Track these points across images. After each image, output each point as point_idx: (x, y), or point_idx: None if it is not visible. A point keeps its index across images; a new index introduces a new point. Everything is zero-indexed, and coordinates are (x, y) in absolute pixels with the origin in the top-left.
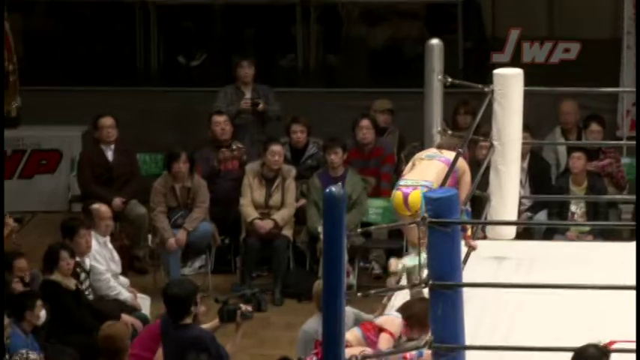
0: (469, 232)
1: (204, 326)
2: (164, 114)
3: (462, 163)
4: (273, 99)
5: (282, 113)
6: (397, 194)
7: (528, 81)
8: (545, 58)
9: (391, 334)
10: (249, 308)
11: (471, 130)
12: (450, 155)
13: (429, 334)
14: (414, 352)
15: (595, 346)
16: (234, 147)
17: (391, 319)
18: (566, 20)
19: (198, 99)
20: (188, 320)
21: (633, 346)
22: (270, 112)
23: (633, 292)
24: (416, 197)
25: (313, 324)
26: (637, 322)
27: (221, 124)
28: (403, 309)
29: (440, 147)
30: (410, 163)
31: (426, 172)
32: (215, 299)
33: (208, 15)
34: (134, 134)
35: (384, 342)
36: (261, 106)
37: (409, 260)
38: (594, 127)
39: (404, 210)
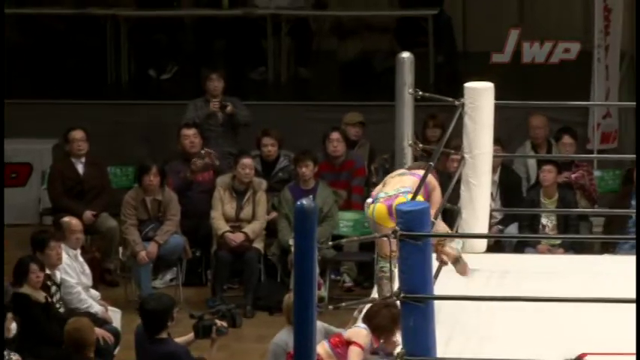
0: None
1: (179, 340)
2: (134, 127)
3: (432, 180)
4: (243, 108)
5: (253, 125)
6: (379, 207)
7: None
8: (545, 58)
9: (360, 346)
10: (225, 324)
11: (442, 143)
12: (420, 172)
13: (397, 337)
14: None
15: None
16: (202, 152)
17: (357, 331)
18: (537, 34)
19: (168, 112)
20: (164, 335)
21: (605, 358)
22: (239, 117)
23: (605, 305)
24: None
25: (284, 336)
26: (637, 332)
27: (190, 137)
28: (368, 319)
29: (410, 168)
30: (380, 185)
31: (401, 182)
32: (190, 315)
33: (179, 28)
34: (105, 147)
35: (354, 356)
36: (229, 108)
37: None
38: (566, 139)
39: (388, 222)
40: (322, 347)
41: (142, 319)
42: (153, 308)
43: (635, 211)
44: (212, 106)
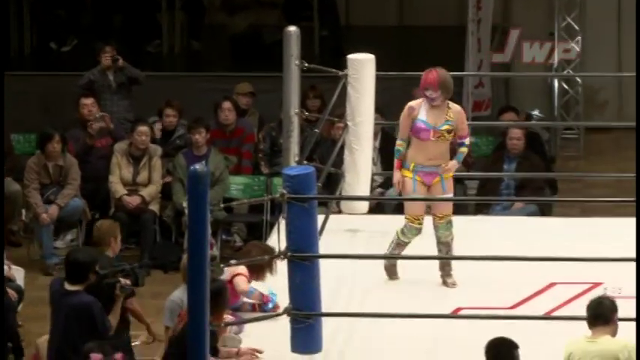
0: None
1: None
2: (36, 96)
3: None
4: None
5: (149, 96)
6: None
7: None
8: (545, 58)
9: (243, 274)
10: (128, 282)
11: (326, 111)
12: None
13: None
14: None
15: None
16: (98, 115)
17: (234, 268)
18: (413, 8)
19: (68, 82)
20: (79, 287)
21: (477, 312)
22: (133, 71)
23: (478, 263)
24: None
25: (179, 294)
26: (637, 321)
27: (88, 105)
28: (243, 255)
29: None
30: None
31: None
32: (95, 272)
33: (79, 3)
34: (8, 115)
35: (241, 283)
36: (120, 61)
37: None
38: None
39: None
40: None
41: (66, 267)
42: (78, 258)
43: (506, 173)
44: (104, 60)
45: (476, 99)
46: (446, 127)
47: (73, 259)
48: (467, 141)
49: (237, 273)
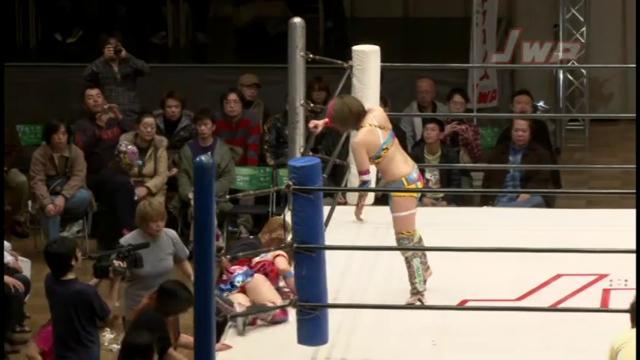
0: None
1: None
2: (42, 88)
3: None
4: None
5: (154, 87)
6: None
7: None
8: (546, 58)
9: (283, 255)
10: (122, 264)
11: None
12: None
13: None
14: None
15: None
16: (106, 107)
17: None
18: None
19: (73, 74)
20: (70, 276)
21: (483, 304)
22: (137, 63)
23: (483, 254)
24: None
25: (128, 238)
26: (637, 317)
27: (94, 96)
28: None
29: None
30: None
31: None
32: (89, 256)
33: None
34: (14, 107)
35: (281, 263)
36: (123, 52)
37: None
38: (457, 98)
39: None
40: (259, 279)
41: (48, 263)
42: (56, 251)
43: (512, 165)
44: (107, 52)
45: (481, 91)
46: None
47: (53, 252)
48: (365, 177)
49: (278, 254)
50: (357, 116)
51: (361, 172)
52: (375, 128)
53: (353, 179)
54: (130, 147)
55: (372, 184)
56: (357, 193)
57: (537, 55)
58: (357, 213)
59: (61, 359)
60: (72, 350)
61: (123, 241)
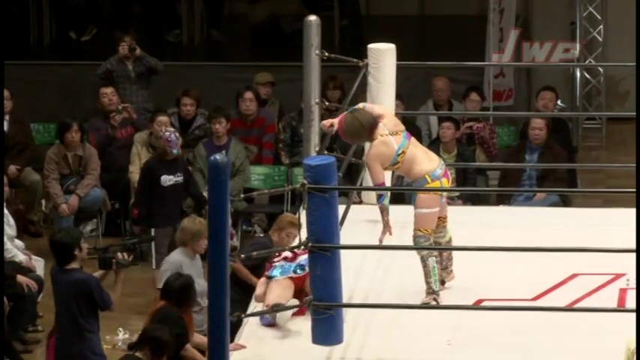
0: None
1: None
2: (56, 86)
3: None
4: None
5: (169, 85)
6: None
7: None
8: (546, 58)
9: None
10: (126, 256)
11: (346, 101)
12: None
13: None
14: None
15: None
16: (120, 107)
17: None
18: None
19: (87, 72)
20: (74, 265)
21: (499, 303)
22: (151, 61)
23: (499, 254)
24: None
25: (175, 256)
26: (637, 319)
27: (108, 95)
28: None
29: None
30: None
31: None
32: (94, 247)
33: None
34: (28, 105)
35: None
36: (138, 50)
37: None
38: (474, 96)
39: None
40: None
41: (52, 251)
42: (60, 240)
43: (529, 164)
44: (121, 50)
45: (496, 89)
46: None
47: (57, 241)
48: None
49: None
50: (369, 129)
51: (377, 184)
52: (387, 137)
53: (368, 177)
54: (167, 133)
55: (387, 199)
56: (372, 193)
57: (537, 55)
58: (382, 238)
59: (61, 347)
60: (71, 339)
61: (168, 259)
